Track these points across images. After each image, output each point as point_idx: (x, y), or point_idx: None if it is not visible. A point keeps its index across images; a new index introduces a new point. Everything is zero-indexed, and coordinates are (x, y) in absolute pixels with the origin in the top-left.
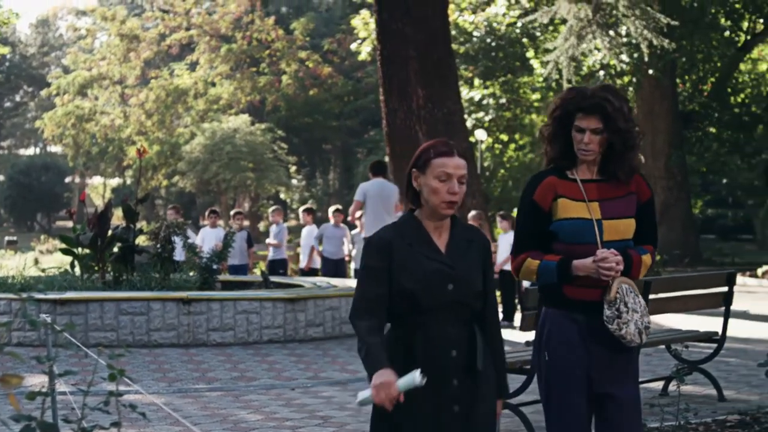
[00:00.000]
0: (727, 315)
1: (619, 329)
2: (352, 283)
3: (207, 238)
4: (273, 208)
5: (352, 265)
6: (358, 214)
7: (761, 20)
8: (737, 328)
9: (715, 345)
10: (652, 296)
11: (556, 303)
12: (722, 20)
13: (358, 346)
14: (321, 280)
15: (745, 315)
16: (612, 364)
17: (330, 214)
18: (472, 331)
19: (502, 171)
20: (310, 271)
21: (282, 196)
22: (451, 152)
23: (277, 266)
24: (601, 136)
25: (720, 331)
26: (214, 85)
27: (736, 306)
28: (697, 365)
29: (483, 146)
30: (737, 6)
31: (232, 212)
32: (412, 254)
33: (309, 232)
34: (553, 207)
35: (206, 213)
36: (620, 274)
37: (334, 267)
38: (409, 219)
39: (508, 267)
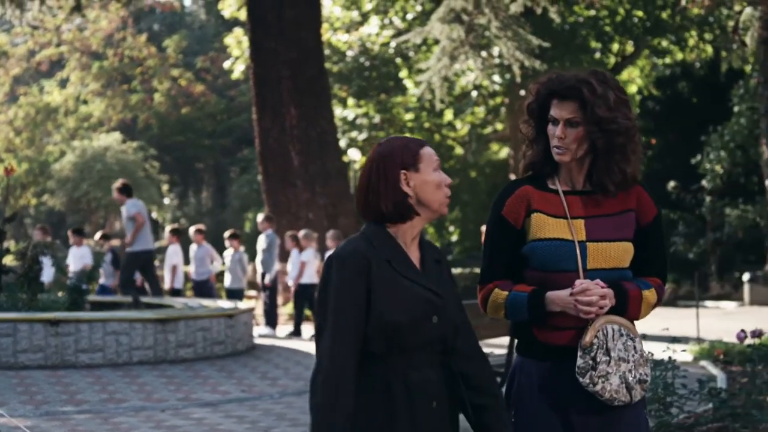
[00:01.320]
0: None
1: (593, 384)
2: (223, 303)
3: (74, 257)
4: None
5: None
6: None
7: (631, 42)
8: None
9: None
10: None
11: (527, 350)
12: (593, 43)
13: (315, 417)
14: (192, 301)
15: None
16: (601, 426)
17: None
18: (452, 375)
19: None
20: (173, 292)
21: (154, 215)
22: (426, 142)
23: None
24: (577, 129)
25: None
26: (85, 102)
27: None
28: None
29: (356, 166)
30: (607, 29)
31: (96, 235)
32: (395, 276)
33: (173, 252)
34: (526, 224)
35: (70, 232)
36: (610, 312)
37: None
38: (378, 231)
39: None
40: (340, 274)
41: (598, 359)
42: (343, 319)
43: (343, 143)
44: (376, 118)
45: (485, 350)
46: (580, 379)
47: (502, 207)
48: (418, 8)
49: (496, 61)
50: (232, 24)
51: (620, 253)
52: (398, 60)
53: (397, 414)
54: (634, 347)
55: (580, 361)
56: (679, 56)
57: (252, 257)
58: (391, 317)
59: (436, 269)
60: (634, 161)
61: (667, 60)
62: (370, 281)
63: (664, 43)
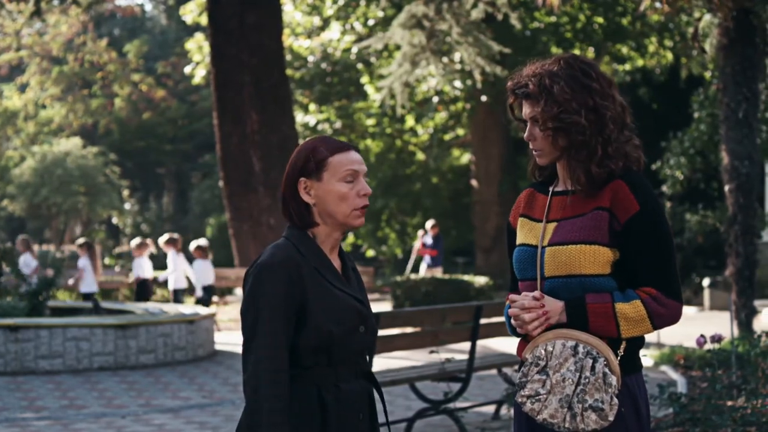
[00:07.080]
0: None
1: (522, 403)
2: (184, 309)
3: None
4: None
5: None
6: None
7: (591, 48)
8: None
9: None
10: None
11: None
12: (553, 49)
13: (257, 419)
14: (153, 306)
15: None
16: None
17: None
18: (374, 386)
19: None
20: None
21: (115, 220)
22: (348, 146)
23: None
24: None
25: None
26: (45, 107)
27: None
28: None
29: None
30: (568, 35)
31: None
32: (325, 284)
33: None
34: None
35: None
36: (572, 327)
37: None
38: (302, 236)
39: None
40: (272, 284)
41: (530, 377)
42: (278, 330)
43: None
44: (338, 124)
45: (446, 355)
46: (517, 399)
47: (510, 212)
48: (380, 14)
49: (458, 66)
50: (193, 29)
51: (574, 258)
52: (360, 65)
53: (329, 426)
54: (593, 368)
55: (516, 378)
56: (640, 62)
57: (218, 263)
58: (327, 327)
59: (354, 277)
60: (603, 158)
61: (627, 66)
62: (304, 291)
63: (625, 50)
